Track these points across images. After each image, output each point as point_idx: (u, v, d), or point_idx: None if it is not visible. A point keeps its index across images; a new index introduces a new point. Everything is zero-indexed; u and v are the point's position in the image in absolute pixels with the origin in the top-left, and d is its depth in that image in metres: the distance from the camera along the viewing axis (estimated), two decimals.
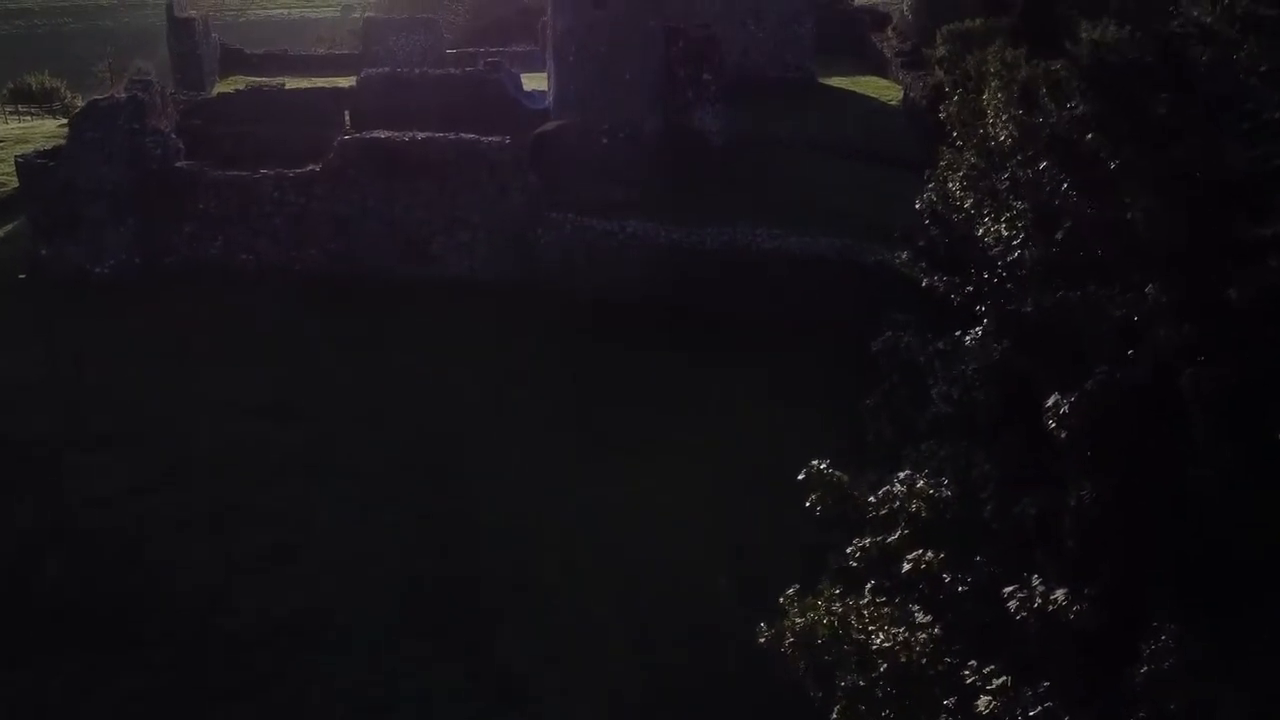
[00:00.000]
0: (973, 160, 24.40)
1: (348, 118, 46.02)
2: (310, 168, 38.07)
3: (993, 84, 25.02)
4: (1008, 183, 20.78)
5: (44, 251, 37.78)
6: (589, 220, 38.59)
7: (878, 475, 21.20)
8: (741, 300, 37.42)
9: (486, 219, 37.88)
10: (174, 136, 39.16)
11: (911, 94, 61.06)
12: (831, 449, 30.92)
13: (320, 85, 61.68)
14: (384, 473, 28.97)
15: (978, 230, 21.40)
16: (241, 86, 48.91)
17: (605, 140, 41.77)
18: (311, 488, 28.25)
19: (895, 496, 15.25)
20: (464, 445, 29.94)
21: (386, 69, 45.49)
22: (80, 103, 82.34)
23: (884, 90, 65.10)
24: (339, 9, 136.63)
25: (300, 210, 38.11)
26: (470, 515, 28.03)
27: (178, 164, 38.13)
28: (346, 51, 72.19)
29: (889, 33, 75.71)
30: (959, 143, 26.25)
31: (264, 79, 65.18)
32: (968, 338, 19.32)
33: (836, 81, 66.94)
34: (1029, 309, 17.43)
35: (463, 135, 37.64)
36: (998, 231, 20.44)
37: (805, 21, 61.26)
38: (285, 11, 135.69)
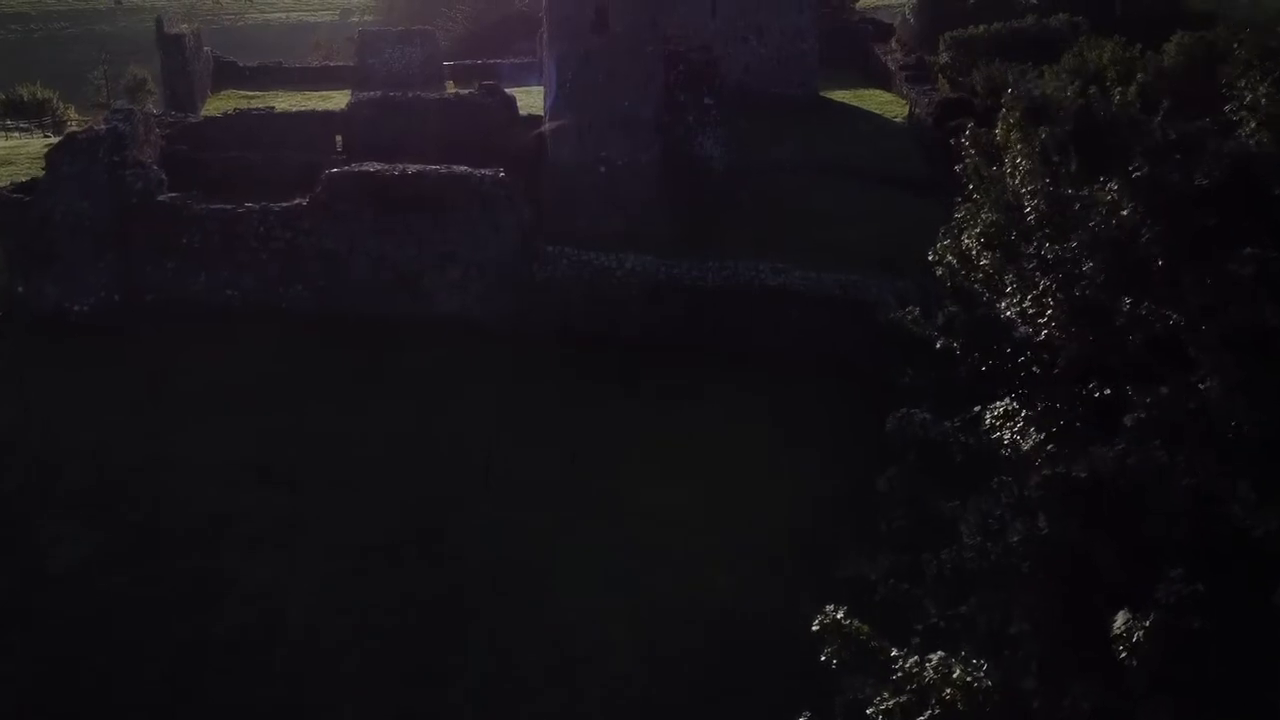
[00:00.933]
0: (992, 219, 22.77)
1: (339, 142, 44.41)
2: (297, 202, 36.41)
3: (1014, 142, 23.35)
4: (1035, 259, 19.07)
5: (20, 289, 36.15)
6: (586, 254, 36.94)
7: (891, 560, 19.64)
8: (744, 338, 35.82)
9: (480, 254, 36.21)
10: (156, 168, 37.48)
11: (917, 110, 59.47)
12: (830, 499, 30.16)
13: (313, 103, 60.69)
14: (370, 544, 27.10)
15: (999, 303, 19.76)
16: (231, 110, 47.14)
17: (603, 169, 40.13)
18: (293, 561, 26.39)
19: (928, 680, 13.52)
20: (456, 512, 28.00)
21: (378, 93, 43.78)
22: (74, 114, 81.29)
23: (888, 105, 63.50)
24: (337, 13, 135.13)
25: (287, 245, 36.45)
26: (461, 598, 25.99)
27: (159, 198, 36.44)
28: (341, 63, 70.41)
29: (893, 45, 74.07)
30: (975, 196, 24.61)
31: (257, 93, 63.80)
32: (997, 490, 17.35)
33: (840, 96, 65.34)
34: (1083, 473, 15.65)
35: (454, 167, 35.98)
36: (1023, 308, 18.81)
37: (808, 38, 59.67)
38: (284, 16, 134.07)
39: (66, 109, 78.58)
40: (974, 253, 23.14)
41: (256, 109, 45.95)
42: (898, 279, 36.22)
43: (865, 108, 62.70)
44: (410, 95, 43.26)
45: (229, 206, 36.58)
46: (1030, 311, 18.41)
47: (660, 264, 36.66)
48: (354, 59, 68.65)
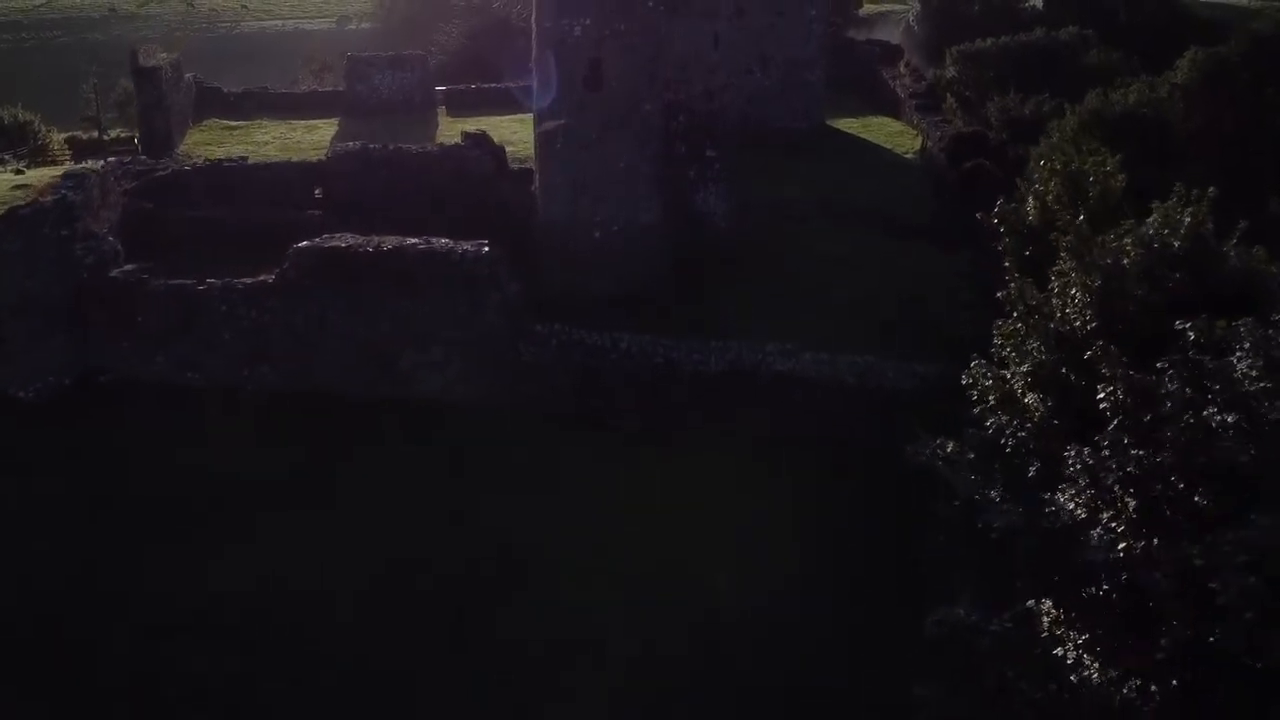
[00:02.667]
0: (1041, 359, 19.28)
1: (320, 192, 40.85)
2: (262, 278, 32.92)
3: (1069, 269, 19.82)
4: (1110, 463, 15.42)
5: None
6: (578, 332, 33.47)
7: None
8: (749, 430, 32.32)
9: (462, 334, 32.73)
10: (110, 240, 33.99)
11: (929, 143, 55.91)
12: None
13: (298, 135, 57.27)
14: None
15: (1061, 494, 16.25)
16: (201, 161, 43.38)
17: (598, 233, 36.58)
18: None
19: None
20: (414, 690, 24.24)
21: (357, 144, 40.13)
22: (57, 138, 77.51)
23: (898, 137, 59.82)
24: (334, 20, 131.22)
25: (252, 324, 32.99)
26: None
27: (113, 273, 32.97)
28: (330, 89, 66.73)
29: (901, 69, 70.34)
30: (1019, 325, 21.07)
31: (240, 123, 60.19)
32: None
33: (846, 124, 61.72)
34: None
35: (433, 242, 32.45)
36: (1092, 509, 15.31)
37: (814, 69, 56.00)
38: (280, 23, 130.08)
39: (49, 133, 74.66)
40: (1020, 391, 19.66)
41: (230, 161, 42.25)
42: (915, 365, 32.87)
43: (874, 140, 59.06)
44: (391, 147, 39.68)
45: (189, 282, 33.11)
46: (1104, 519, 14.98)
47: (658, 345, 33.20)
48: (343, 84, 65.20)
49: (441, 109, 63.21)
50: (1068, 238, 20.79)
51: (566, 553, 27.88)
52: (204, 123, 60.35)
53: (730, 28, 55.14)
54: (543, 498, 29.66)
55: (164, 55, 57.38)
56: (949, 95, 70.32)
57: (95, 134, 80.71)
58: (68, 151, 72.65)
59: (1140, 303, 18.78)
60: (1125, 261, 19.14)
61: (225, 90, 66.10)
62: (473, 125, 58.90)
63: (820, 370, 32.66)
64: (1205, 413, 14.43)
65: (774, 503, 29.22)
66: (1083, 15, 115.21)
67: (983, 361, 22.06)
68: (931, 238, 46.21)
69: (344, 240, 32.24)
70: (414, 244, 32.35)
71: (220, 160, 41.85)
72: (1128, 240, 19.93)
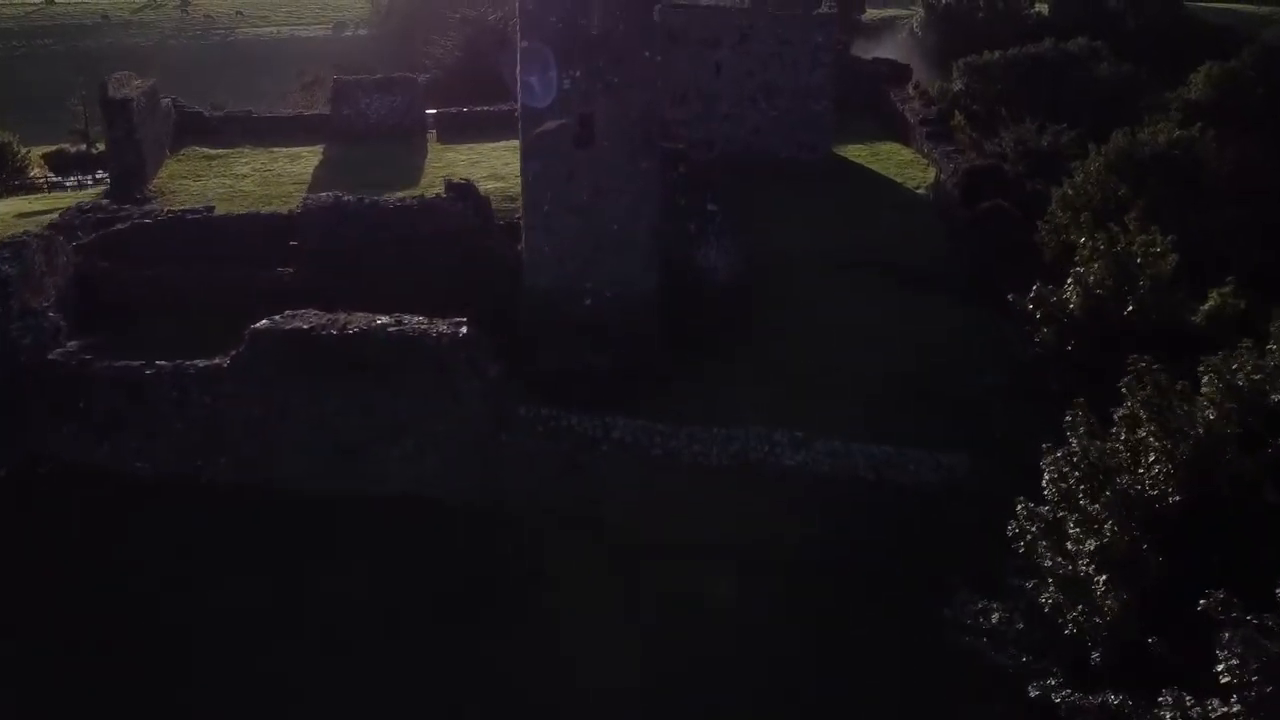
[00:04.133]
0: (1110, 536, 15.70)
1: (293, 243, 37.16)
2: (217, 361, 29.32)
3: (1145, 433, 16.17)
4: None
5: None
6: (566, 417, 29.90)
7: None
8: (757, 531, 28.68)
9: (437, 424, 29.14)
10: (51, 316, 30.44)
11: (943, 176, 52.16)
12: None
13: (280, 165, 53.61)
14: None
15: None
16: (164, 214, 39.47)
17: (589, 301, 32.93)
18: None
19: None
20: None
21: (330, 196, 36.30)
22: (38, 159, 73.82)
23: (909, 168, 55.96)
24: (331, 26, 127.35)
25: (206, 411, 29.42)
26: None
27: (52, 354, 29.39)
28: (316, 113, 62.93)
29: (910, 91, 66.38)
30: (1078, 483, 17.38)
31: (220, 151, 56.48)
32: None
33: (855, 152, 57.90)
34: None
35: (405, 323, 28.78)
36: None
37: (821, 99, 52.14)
38: (274, 30, 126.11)
39: (26, 154, 70.93)
40: (1086, 571, 16.03)
41: (194, 212, 38.40)
42: (939, 456, 29.31)
43: (884, 171, 55.23)
44: (367, 201, 35.90)
45: (136, 364, 29.50)
46: None
47: (655, 433, 29.60)
48: (328, 108, 61.51)
49: (432, 133, 59.62)
50: (1143, 391, 17.13)
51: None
52: (182, 151, 56.62)
53: (733, 55, 51.40)
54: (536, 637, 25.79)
55: (138, 83, 53.67)
56: (956, 111, 66.76)
57: (84, 147, 77.31)
58: (46, 175, 69.21)
59: (1233, 472, 15.26)
60: (1216, 422, 15.54)
61: (207, 114, 62.35)
62: (465, 152, 55.35)
63: (834, 463, 29.03)
64: None
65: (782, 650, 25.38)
66: (1089, 21, 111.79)
67: (1029, 507, 18.42)
68: (948, 288, 42.64)
69: (306, 320, 28.58)
70: (383, 325, 28.70)
71: (184, 212, 38.07)
72: (1216, 385, 16.32)
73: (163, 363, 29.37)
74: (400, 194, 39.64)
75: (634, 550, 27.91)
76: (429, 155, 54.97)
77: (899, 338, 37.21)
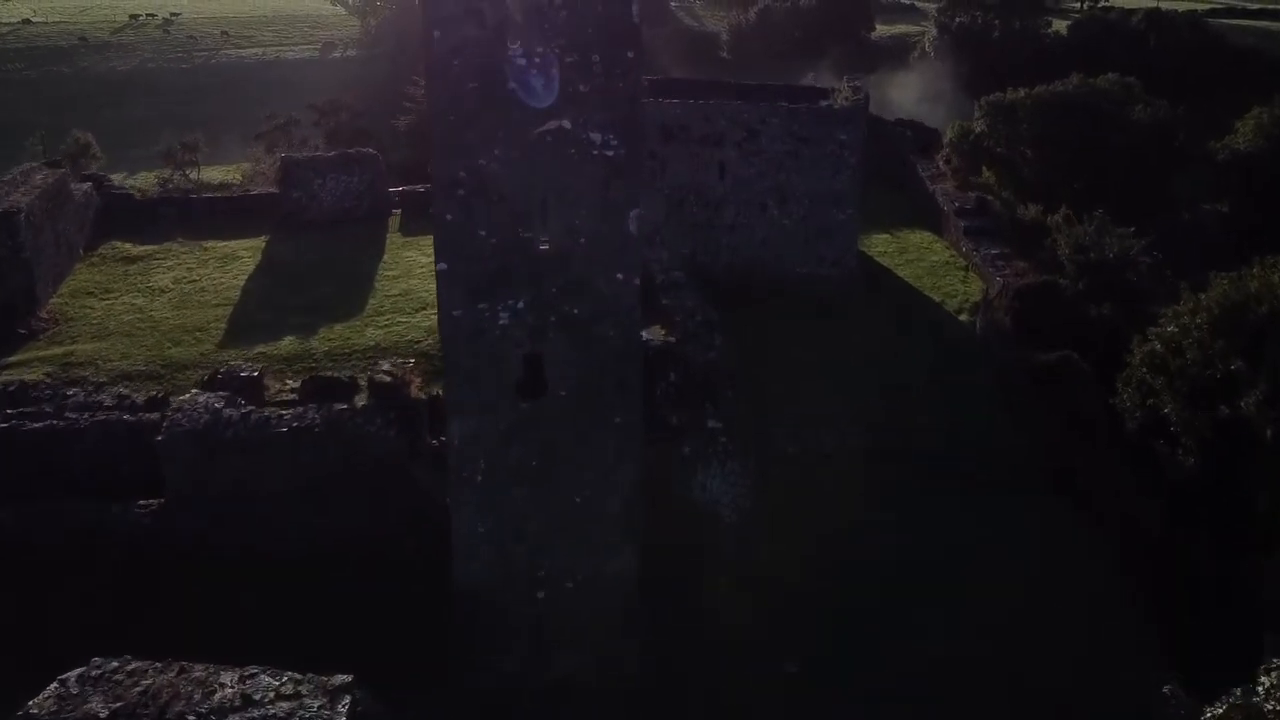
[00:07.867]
0: None
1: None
2: None
3: None
4: None
5: None
6: None
7: None
8: None
9: None
10: None
11: (990, 297, 41.81)
12: None
13: (210, 270, 43.45)
14: None
15: None
16: (11, 414, 29.12)
17: (543, 594, 22.73)
18: None
19: None
20: None
21: (206, 416, 26.09)
22: None
23: (946, 272, 45.48)
24: (318, 48, 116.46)
25: None
26: None
27: None
28: (264, 192, 52.51)
29: (940, 164, 55.90)
30: None
31: (146, 248, 46.24)
32: None
33: (879, 246, 47.52)
34: None
35: (260, 679, 18.62)
36: None
37: (845, 207, 41.72)
38: (260, 52, 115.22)
39: None
40: None
41: (35, 419, 28.12)
42: None
43: (916, 283, 44.88)
44: (255, 419, 25.65)
45: None
46: None
47: None
48: (276, 187, 51.28)
49: (396, 216, 49.63)
50: None
51: None
52: (100, 249, 46.37)
53: (740, 155, 41.05)
54: None
55: (43, 176, 43.61)
56: (984, 168, 56.73)
57: None
58: None
59: None
60: None
61: (138, 198, 52.14)
62: (428, 249, 45.00)
63: None
64: None
65: None
66: (1107, 40, 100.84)
67: None
68: (1023, 483, 32.80)
69: (99, 706, 18.24)
70: (228, 694, 18.51)
71: (22, 420, 27.70)
72: None
73: None
74: (331, 335, 29.42)
75: None
76: (385, 256, 44.77)
77: (983, 606, 27.10)
